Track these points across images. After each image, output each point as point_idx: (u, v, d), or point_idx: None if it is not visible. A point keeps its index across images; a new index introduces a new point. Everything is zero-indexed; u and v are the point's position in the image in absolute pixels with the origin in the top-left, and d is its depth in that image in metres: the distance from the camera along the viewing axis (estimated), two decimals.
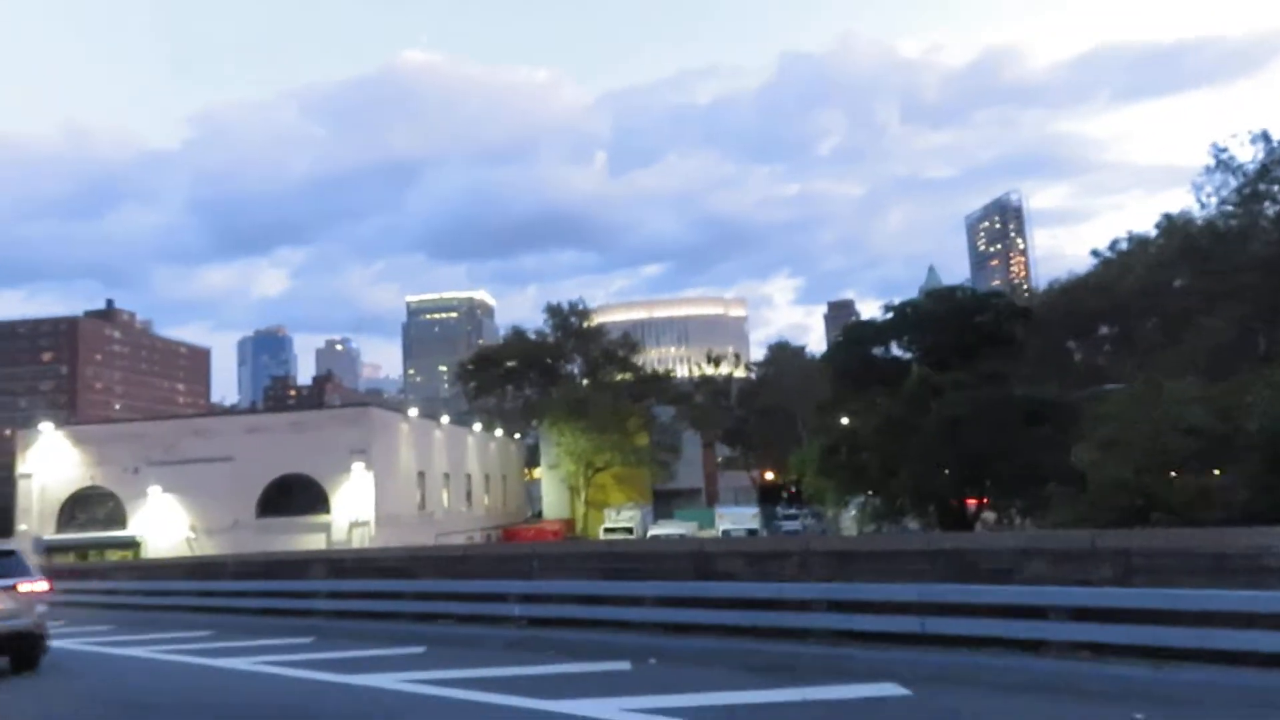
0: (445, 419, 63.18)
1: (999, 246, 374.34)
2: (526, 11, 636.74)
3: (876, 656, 12.18)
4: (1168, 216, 62.44)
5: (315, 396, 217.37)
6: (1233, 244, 50.67)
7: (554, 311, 78.25)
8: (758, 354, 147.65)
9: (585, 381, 76.45)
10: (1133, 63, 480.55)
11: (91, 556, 49.54)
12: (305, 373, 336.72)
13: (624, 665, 13.75)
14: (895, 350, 47.38)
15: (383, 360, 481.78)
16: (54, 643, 21.16)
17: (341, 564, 21.29)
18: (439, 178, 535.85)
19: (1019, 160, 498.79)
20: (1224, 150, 53.80)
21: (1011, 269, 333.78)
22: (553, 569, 16.89)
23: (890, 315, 47.45)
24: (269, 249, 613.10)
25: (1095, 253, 64.05)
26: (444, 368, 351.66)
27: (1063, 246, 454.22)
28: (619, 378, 77.86)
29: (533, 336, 79.69)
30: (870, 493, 46.45)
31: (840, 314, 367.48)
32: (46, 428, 51.09)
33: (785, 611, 13.50)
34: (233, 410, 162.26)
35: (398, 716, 11.67)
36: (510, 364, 77.65)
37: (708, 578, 14.71)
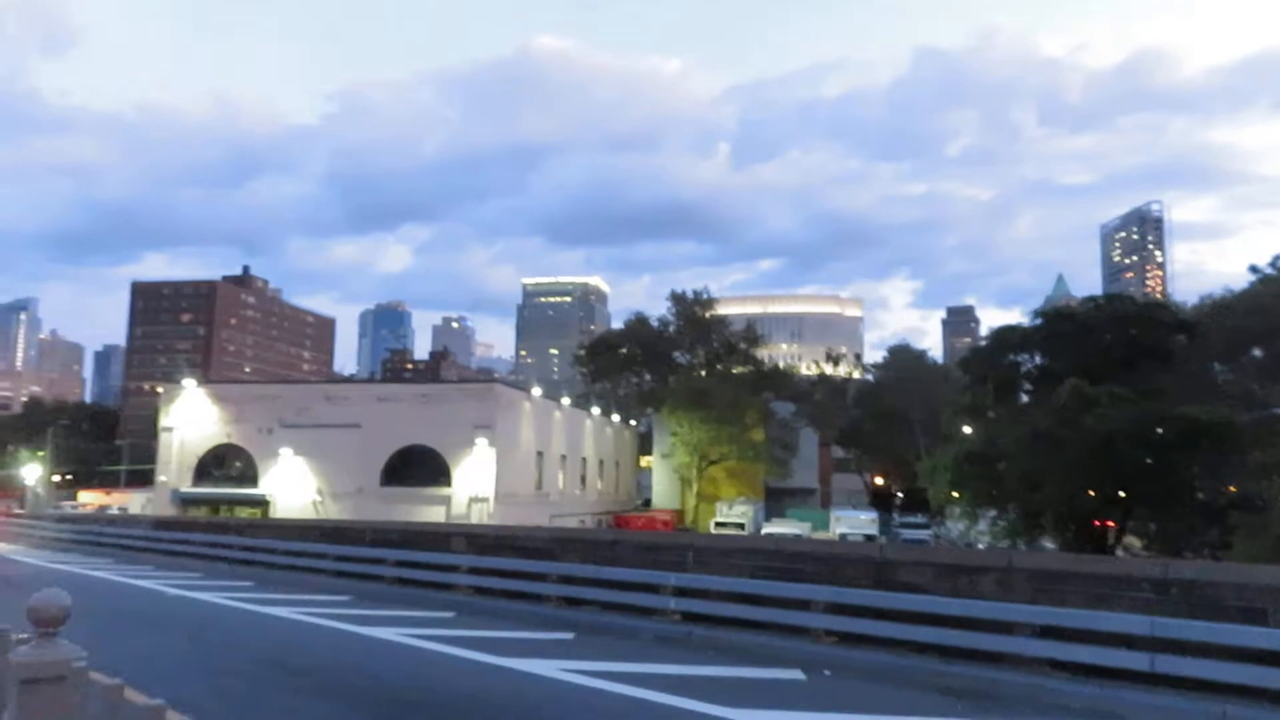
0: (566, 400, 63.10)
1: (1135, 259, 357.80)
2: (660, 3, 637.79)
3: (1097, 693, 10.87)
4: None
5: (431, 371, 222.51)
6: None
7: (678, 300, 77.42)
8: (871, 356, 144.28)
9: (704, 372, 75.39)
10: None
11: (223, 511, 51.22)
12: (421, 348, 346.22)
13: (796, 674, 12.76)
14: (1041, 359, 44.73)
15: (495, 340, 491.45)
16: (203, 595, 21.53)
17: (482, 540, 20.84)
18: (563, 163, 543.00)
19: (1163, 169, 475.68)
20: None
21: (1148, 282, 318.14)
22: (709, 563, 15.99)
23: (1040, 321, 44.94)
24: (395, 225, 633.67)
25: (1254, 268, 59.79)
26: (555, 350, 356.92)
27: (1204, 262, 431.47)
28: (738, 370, 76.54)
29: (655, 323, 79.04)
30: (1006, 507, 44.19)
31: (959, 319, 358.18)
32: (189, 384, 52.94)
33: (981, 632, 12.26)
34: (362, 379, 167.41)
35: (567, 710, 10.99)
36: (630, 350, 77.12)
37: (887, 587, 13.56)
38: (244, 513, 50.45)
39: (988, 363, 45.57)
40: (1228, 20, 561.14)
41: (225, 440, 51.84)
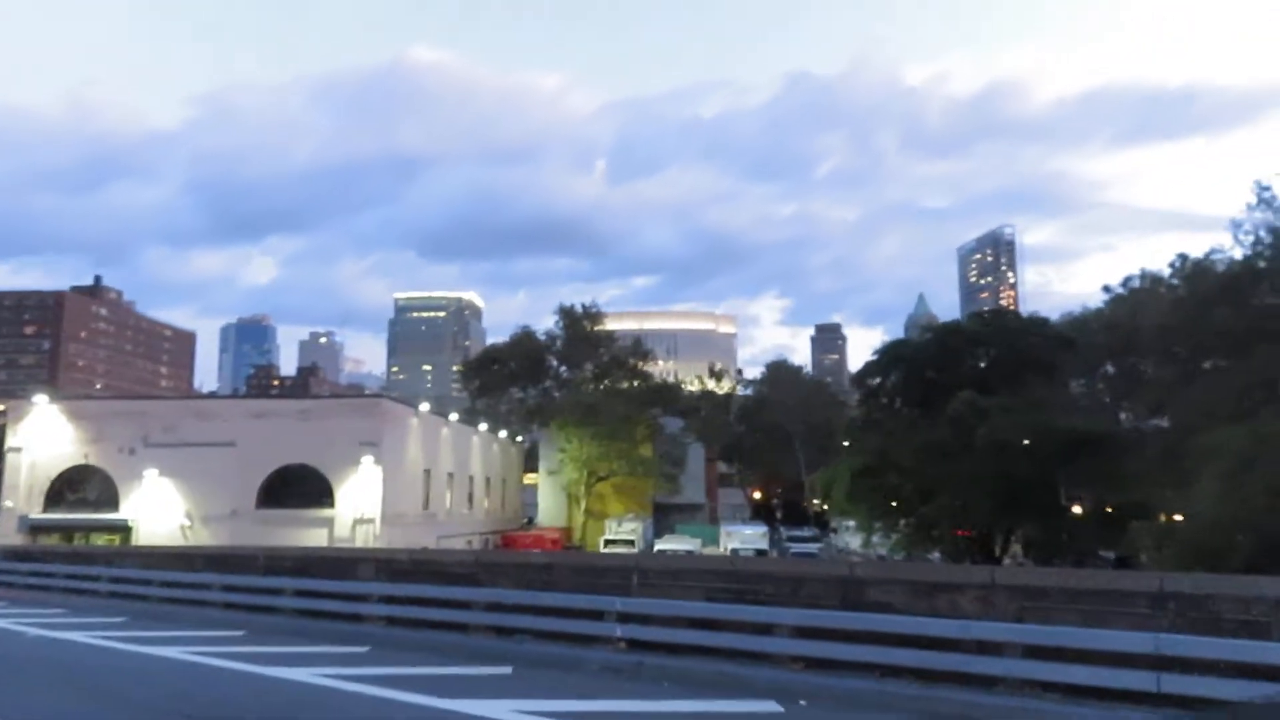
0: (454, 416, 60.99)
1: (990, 279, 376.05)
2: (539, 16, 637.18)
3: (1099, 716, 10.33)
4: (1183, 257, 61.53)
5: (300, 388, 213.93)
6: (1272, 283, 49.51)
7: (566, 313, 76.17)
8: (746, 372, 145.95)
9: (593, 387, 74.35)
10: (1135, 105, 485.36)
11: (78, 539, 47.11)
12: (287, 363, 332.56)
13: (771, 706, 11.82)
14: (933, 372, 45.67)
15: (366, 355, 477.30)
16: (71, 635, 19.11)
17: (394, 565, 19.22)
18: (438, 176, 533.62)
19: (1014, 195, 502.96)
20: (1267, 189, 52.77)
21: (1002, 302, 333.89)
22: (656, 585, 14.94)
23: (929, 336, 45.93)
24: (261, 236, 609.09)
25: (1107, 288, 63.05)
26: (428, 366, 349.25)
27: (1050, 283, 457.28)
28: (627, 385, 75.81)
29: (542, 337, 77.54)
30: (899, 519, 44.78)
31: (827, 336, 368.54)
32: (40, 400, 48.54)
33: (964, 654, 11.62)
34: (234, 396, 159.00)
35: None
36: (517, 364, 75.41)
37: (857, 607, 12.82)
38: (102, 539, 46.51)
39: (880, 376, 46.28)
40: (1074, 55, 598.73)
41: (82, 461, 47.67)
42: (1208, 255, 56.22)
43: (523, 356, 78.00)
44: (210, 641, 17.82)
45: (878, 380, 46.21)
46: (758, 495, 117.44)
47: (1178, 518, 46.84)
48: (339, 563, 20.36)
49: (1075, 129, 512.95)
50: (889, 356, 46.51)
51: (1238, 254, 54.17)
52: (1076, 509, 41.46)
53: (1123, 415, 50.93)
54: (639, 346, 77.96)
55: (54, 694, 13.34)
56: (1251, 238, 53.84)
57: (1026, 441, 39.57)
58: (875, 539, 43.95)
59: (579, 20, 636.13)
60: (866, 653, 12.40)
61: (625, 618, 14.95)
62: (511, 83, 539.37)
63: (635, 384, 75.33)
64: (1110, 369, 56.02)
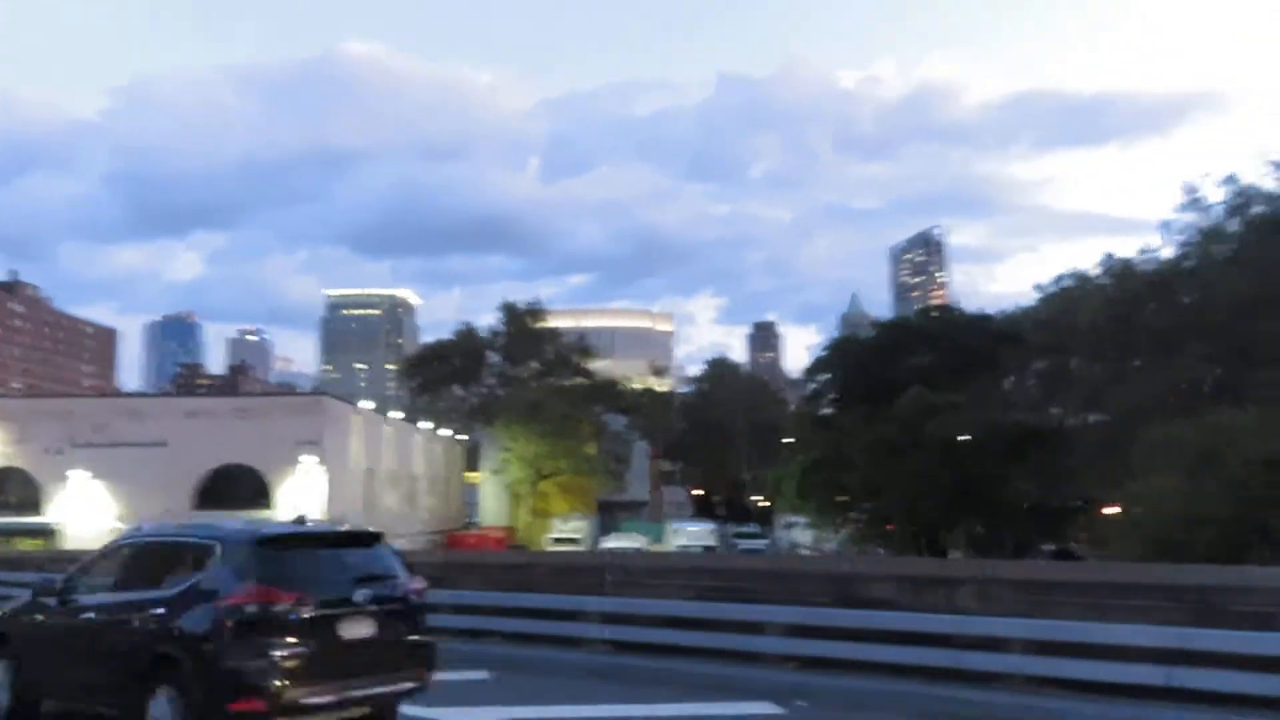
0: (396, 415, 59.76)
1: (921, 278, 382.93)
2: (472, 11, 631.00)
3: (1112, 713, 10.17)
4: (1110, 256, 63.15)
5: (229, 387, 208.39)
6: (1200, 282, 50.94)
7: (509, 310, 75.22)
8: (683, 370, 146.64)
9: (537, 384, 73.55)
10: (1056, 110, 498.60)
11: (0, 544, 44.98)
12: (214, 362, 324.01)
13: (769, 708, 11.48)
14: (880, 368, 45.97)
15: (296, 354, 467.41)
16: None
17: None
18: (370, 171, 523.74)
19: (942, 197, 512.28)
20: (1197, 190, 54.28)
21: (932, 300, 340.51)
22: (640, 584, 14.51)
23: (877, 332, 46.23)
24: (185, 231, 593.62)
25: (1039, 287, 64.46)
26: (362, 365, 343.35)
27: (975, 283, 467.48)
28: (570, 383, 75.20)
29: (484, 334, 76.46)
30: (848, 514, 45.02)
31: (763, 335, 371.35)
32: None
33: (965, 650, 11.40)
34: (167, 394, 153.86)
35: None
36: (461, 361, 74.26)
37: (852, 604, 12.53)
38: (26, 545, 44.43)
39: (830, 372, 46.46)
40: (998, 61, 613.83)
41: (4, 463, 45.55)
42: (1140, 253, 57.67)
43: (465, 353, 76.88)
44: None
45: (826, 376, 46.36)
46: (699, 492, 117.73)
47: (1112, 510, 48.08)
48: None
49: (999, 133, 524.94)
50: (837, 352, 46.75)
51: (1167, 253, 55.63)
52: (1023, 504, 42.09)
53: (1053, 410, 51.87)
54: (583, 343, 77.37)
55: None
56: (1181, 238, 55.31)
57: (973, 437, 40.03)
58: (827, 535, 44.11)
59: (513, 16, 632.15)
60: (865, 651, 12.12)
61: (608, 618, 14.46)
62: (444, 77, 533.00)
63: (579, 381, 74.72)
64: (1039, 365, 57.26)
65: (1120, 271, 58.95)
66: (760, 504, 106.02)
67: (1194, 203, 54.61)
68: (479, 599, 15.92)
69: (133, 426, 46.16)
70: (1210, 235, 52.17)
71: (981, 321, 45.46)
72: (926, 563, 14.94)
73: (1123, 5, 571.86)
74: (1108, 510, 48.54)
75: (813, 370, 47.37)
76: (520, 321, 75.16)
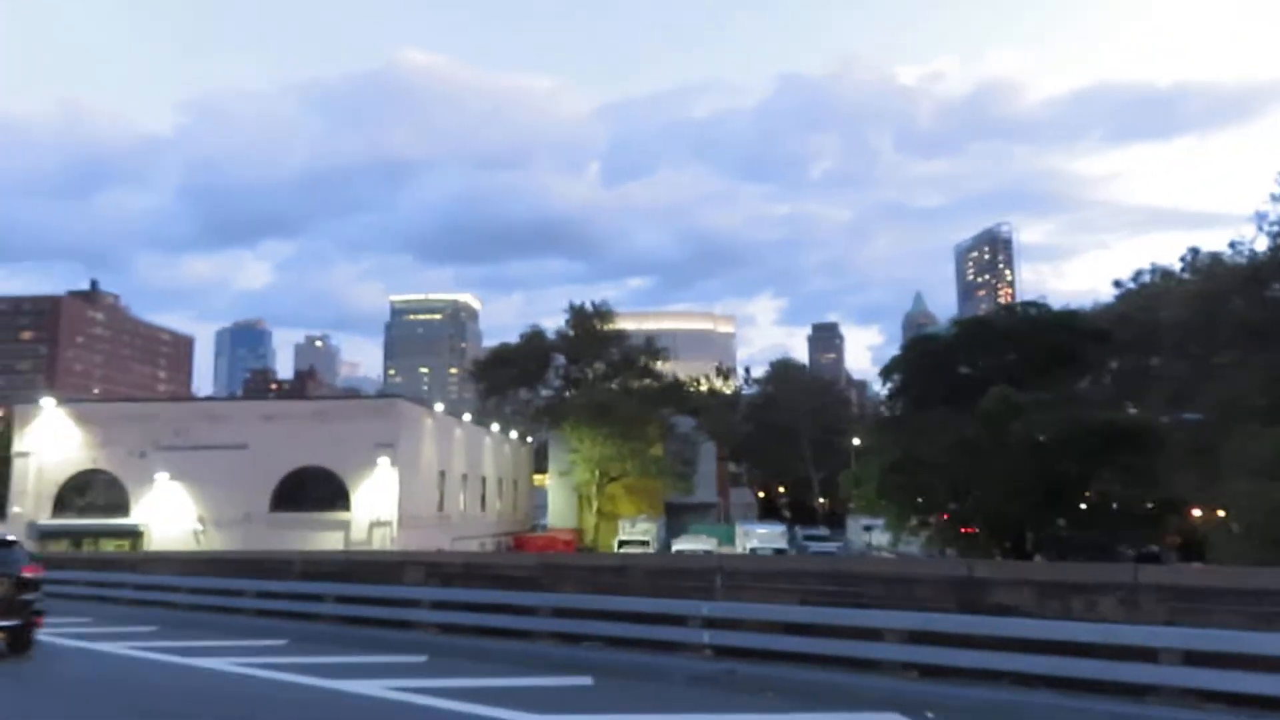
0: (467, 417, 59.94)
1: (987, 277, 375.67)
2: (531, 19, 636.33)
3: None
4: (1194, 250, 60.78)
5: (296, 391, 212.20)
6: None
7: (576, 312, 75.08)
8: (741, 373, 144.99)
9: (605, 386, 73.24)
10: (1126, 104, 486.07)
11: (88, 545, 46.00)
12: (283, 368, 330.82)
13: (895, 718, 10.87)
14: (963, 367, 44.69)
15: (361, 359, 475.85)
16: (105, 646, 18.03)
17: (445, 569, 18.20)
18: (432, 180, 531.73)
19: (1007, 194, 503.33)
20: None
21: (999, 299, 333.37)
22: (744, 587, 13.96)
23: (956, 330, 44.98)
24: (255, 241, 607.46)
25: (1118, 283, 62.31)
26: (425, 369, 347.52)
27: (1044, 281, 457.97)
28: (638, 384, 74.75)
29: (551, 337, 76.45)
30: (930, 517, 43.80)
31: (824, 336, 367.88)
32: (48, 403, 47.40)
33: (1106, 660, 10.64)
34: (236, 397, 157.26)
35: None
36: (528, 364, 74.30)
37: (977, 610, 11.85)
38: (112, 545, 45.43)
39: (908, 372, 45.29)
40: (1062, 55, 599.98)
41: (91, 465, 46.56)
42: (1231, 246, 55.41)
43: (532, 356, 76.95)
44: (254, 652, 16.77)
45: (902, 375, 45.19)
46: (763, 494, 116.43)
47: (1198, 512, 46.15)
48: (384, 567, 19.33)
49: (1066, 128, 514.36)
50: (917, 351, 45.56)
51: (1261, 245, 53.36)
52: (1111, 505, 40.55)
53: (1131, 410, 50.00)
54: (651, 345, 76.90)
55: (118, 714, 12.31)
56: (1276, 228, 53.04)
57: (1060, 437, 38.61)
58: (908, 537, 42.97)
59: (570, 23, 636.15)
60: (993, 659, 11.44)
61: (712, 623, 13.95)
62: (503, 85, 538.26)
63: (647, 383, 74.26)
64: (1115, 364, 55.30)
65: (1208, 265, 56.79)
66: (827, 506, 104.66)
67: None
68: (576, 602, 15.54)
69: (213, 429, 46.89)
70: None
71: (1067, 318, 43.87)
72: (1064, 568, 14.11)
73: None
74: (1196, 512, 46.72)
75: (889, 370, 46.18)
76: (587, 323, 74.97)
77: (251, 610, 21.12)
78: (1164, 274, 62.32)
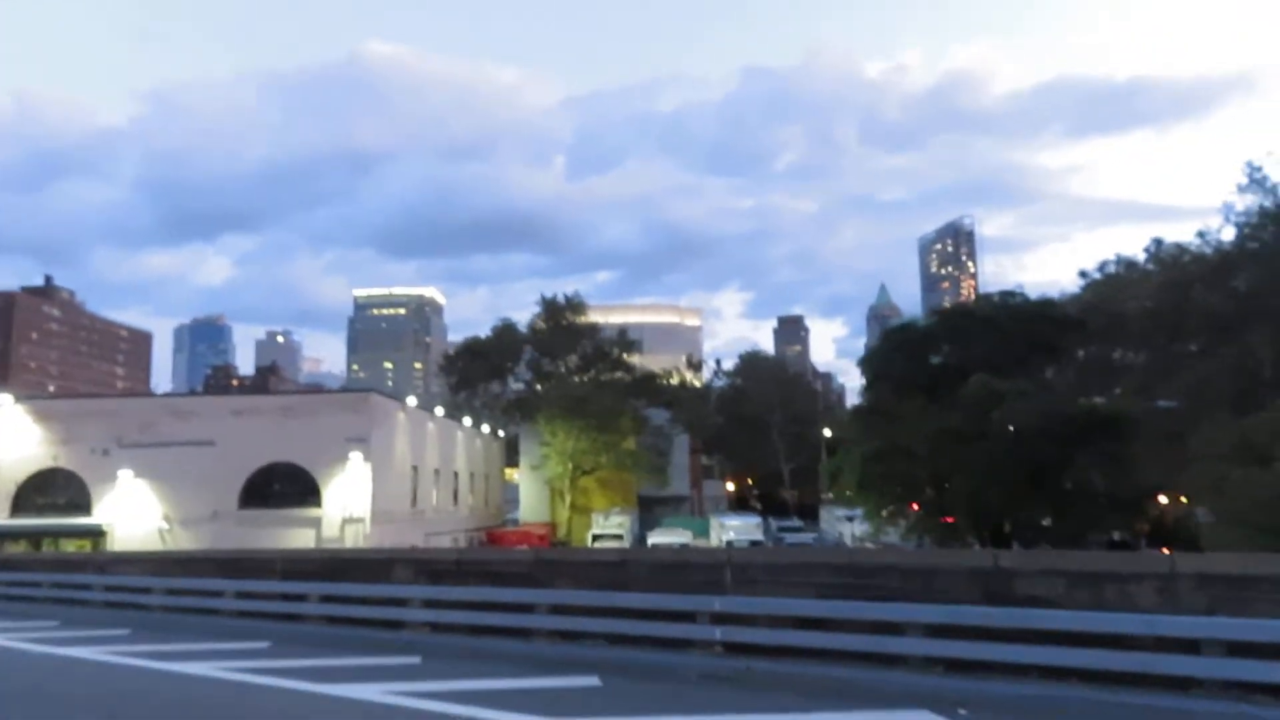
0: (440, 411, 58.99)
1: (950, 269, 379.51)
2: (495, 11, 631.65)
3: None
4: (1158, 241, 61.24)
5: (259, 387, 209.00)
6: (1263, 264, 49.15)
7: (548, 305, 74.27)
8: (712, 365, 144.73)
9: (578, 379, 72.55)
10: (1086, 98, 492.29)
11: (48, 545, 44.59)
12: (244, 364, 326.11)
13: (927, 716, 10.41)
14: (941, 355, 44.55)
15: (325, 354, 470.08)
16: (75, 651, 17.16)
17: (435, 566, 17.51)
18: (395, 172, 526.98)
19: (969, 187, 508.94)
20: (1259, 169, 52.42)
21: (962, 291, 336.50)
22: (755, 581, 13.45)
23: (935, 319, 44.85)
24: (215, 235, 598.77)
25: (1083, 273, 62.63)
26: (389, 364, 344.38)
27: (1006, 273, 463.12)
28: (610, 377, 74.14)
29: (522, 330, 75.58)
30: (914, 507, 43.67)
31: (790, 328, 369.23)
32: (5, 400, 45.81)
33: (1144, 652, 10.26)
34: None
35: None
36: (501, 358, 73.37)
37: (1003, 601, 11.43)
38: (73, 545, 44.06)
39: (886, 361, 45.09)
40: (1024, 50, 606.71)
41: (51, 464, 45.09)
42: (1199, 236, 55.81)
43: (504, 349, 76.06)
44: (236, 655, 16.04)
45: (883, 363, 44.94)
46: (731, 486, 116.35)
47: (1164, 499, 46.48)
48: (372, 565, 18.59)
49: (1027, 121, 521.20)
50: (895, 340, 45.33)
51: (1228, 235, 53.81)
52: (1090, 492, 40.68)
53: (1097, 400, 50.36)
54: (623, 337, 76.30)
55: None
56: (1242, 219, 53.51)
57: (1039, 424, 38.62)
58: (887, 527, 42.78)
59: (536, 14, 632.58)
60: (1023, 653, 11.01)
61: (722, 618, 13.43)
62: (468, 77, 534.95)
63: (620, 375, 73.65)
64: (1080, 353, 55.56)
65: (1173, 256, 57.22)
66: (798, 498, 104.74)
67: (1256, 183, 52.89)
68: (577, 598, 14.94)
69: (179, 426, 45.59)
70: (1273, 216, 50.42)
71: (1047, 307, 43.87)
72: (1095, 557, 13.76)
73: None
74: (1162, 499, 47.07)
75: (868, 359, 45.93)
76: (559, 316, 74.18)
77: (231, 611, 20.30)
78: (1128, 264, 62.74)
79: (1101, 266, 65.12)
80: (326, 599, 18.52)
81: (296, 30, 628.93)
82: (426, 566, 17.70)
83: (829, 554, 15.68)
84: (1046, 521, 41.96)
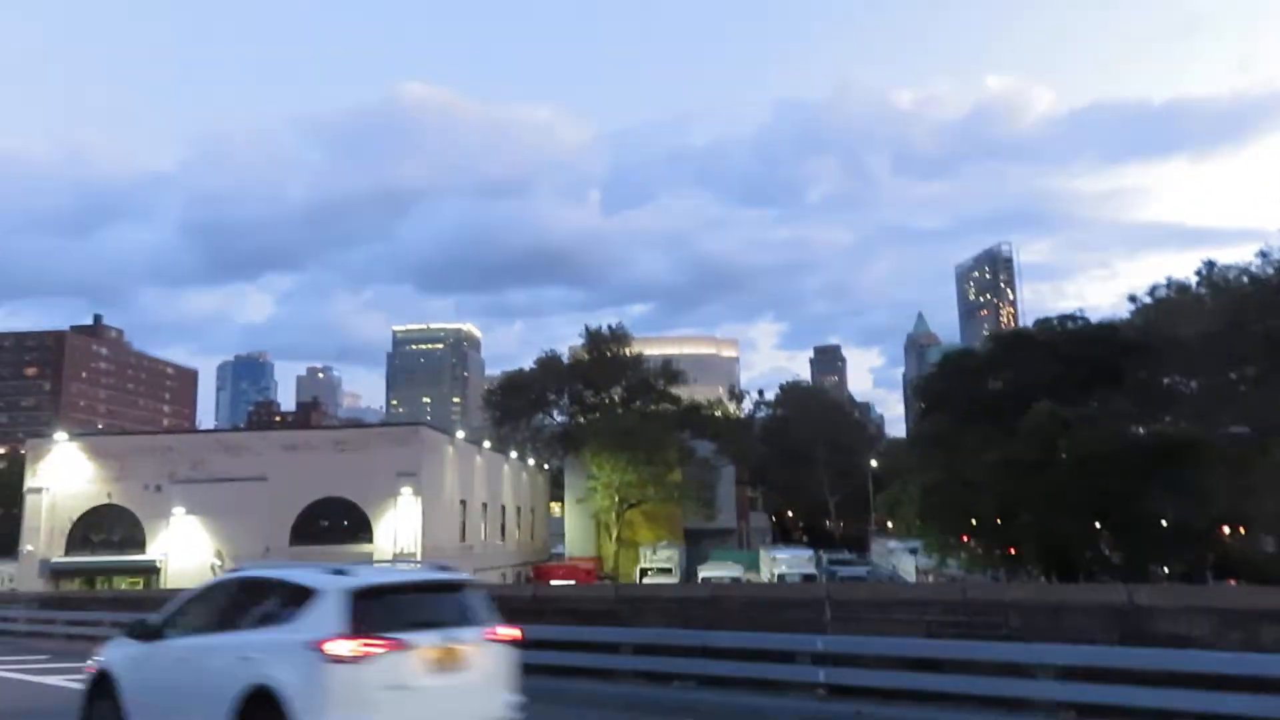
0: (487, 444, 58.66)
1: (988, 297, 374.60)
2: (529, 49, 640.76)
3: None
4: (1210, 264, 59.65)
5: (301, 423, 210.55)
6: None
7: (592, 336, 73.90)
8: (754, 395, 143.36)
9: (621, 410, 71.91)
10: (1120, 124, 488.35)
11: (102, 582, 44.60)
12: (285, 399, 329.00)
13: None
14: (1001, 383, 43.46)
15: (363, 390, 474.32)
16: None
17: (511, 604, 16.87)
18: (432, 210, 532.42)
19: (1004, 215, 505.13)
20: None
21: (1002, 319, 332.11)
22: (858, 618, 12.70)
23: (992, 345, 43.81)
24: (257, 274, 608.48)
25: (1133, 298, 61.14)
26: (428, 399, 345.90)
27: (1044, 300, 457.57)
28: (655, 408, 73.41)
29: (566, 361, 75.26)
30: (973, 538, 42.49)
31: (826, 359, 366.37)
32: (60, 438, 46.12)
33: None
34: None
35: None
36: (543, 390, 73.01)
37: (1142, 641, 10.60)
38: (126, 582, 44.06)
39: (943, 389, 44.09)
40: (1056, 76, 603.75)
41: (105, 500, 45.21)
42: (1262, 256, 54.31)
43: (547, 381, 75.72)
44: None
45: (940, 392, 43.95)
46: (775, 518, 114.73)
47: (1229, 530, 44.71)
48: None
49: (1062, 148, 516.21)
50: (952, 366, 44.35)
51: None
52: (1162, 523, 39.26)
53: (1144, 428, 48.65)
54: (668, 368, 75.66)
55: None
56: None
57: (1109, 453, 37.37)
58: (951, 560, 41.60)
59: (569, 53, 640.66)
60: (1169, 698, 10.16)
61: (825, 659, 12.67)
62: (503, 115, 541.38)
63: (665, 407, 72.92)
64: (1132, 379, 53.91)
65: (1229, 278, 55.65)
66: (844, 529, 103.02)
67: None
68: (664, 637, 14.25)
69: (231, 461, 45.60)
70: None
71: (1109, 331, 42.70)
72: (1234, 592, 12.88)
73: (1186, 13, 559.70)
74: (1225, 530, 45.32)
75: (924, 386, 44.95)
76: (604, 347, 73.76)
77: None
78: (1180, 288, 61.27)
79: (1152, 290, 63.55)
80: None
81: (336, 74, 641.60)
82: (504, 605, 17.05)
83: (939, 590, 14.89)
84: (1109, 553, 40.64)
